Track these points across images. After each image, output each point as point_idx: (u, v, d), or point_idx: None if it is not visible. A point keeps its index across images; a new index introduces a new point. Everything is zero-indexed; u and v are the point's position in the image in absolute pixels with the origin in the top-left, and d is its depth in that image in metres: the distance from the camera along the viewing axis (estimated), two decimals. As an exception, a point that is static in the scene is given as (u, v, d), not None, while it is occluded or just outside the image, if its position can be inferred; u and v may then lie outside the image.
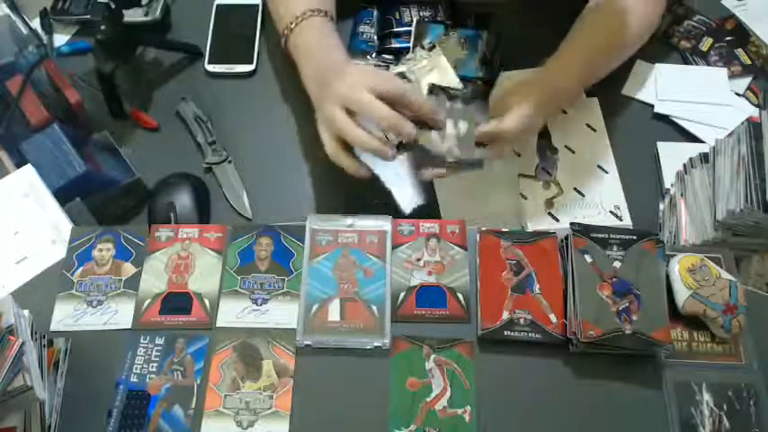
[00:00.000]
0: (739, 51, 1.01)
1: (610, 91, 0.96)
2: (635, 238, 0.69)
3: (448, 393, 0.64)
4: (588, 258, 0.68)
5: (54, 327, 0.68)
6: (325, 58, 0.78)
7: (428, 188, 0.90)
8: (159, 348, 0.66)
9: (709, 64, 1.01)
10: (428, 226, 0.73)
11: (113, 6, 0.91)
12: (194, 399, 0.64)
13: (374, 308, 0.68)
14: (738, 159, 0.78)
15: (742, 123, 0.80)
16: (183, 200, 0.86)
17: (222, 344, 0.67)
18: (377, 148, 0.70)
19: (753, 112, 0.95)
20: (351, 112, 0.71)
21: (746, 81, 0.99)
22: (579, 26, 0.89)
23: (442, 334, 0.67)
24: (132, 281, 0.70)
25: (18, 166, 0.80)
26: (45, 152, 0.82)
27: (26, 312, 0.62)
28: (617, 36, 0.89)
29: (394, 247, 0.71)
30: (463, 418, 0.63)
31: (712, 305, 0.66)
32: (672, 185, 0.90)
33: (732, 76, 0.99)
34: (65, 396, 0.64)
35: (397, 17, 1.00)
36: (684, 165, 0.88)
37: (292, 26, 0.81)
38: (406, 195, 0.75)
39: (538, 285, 0.68)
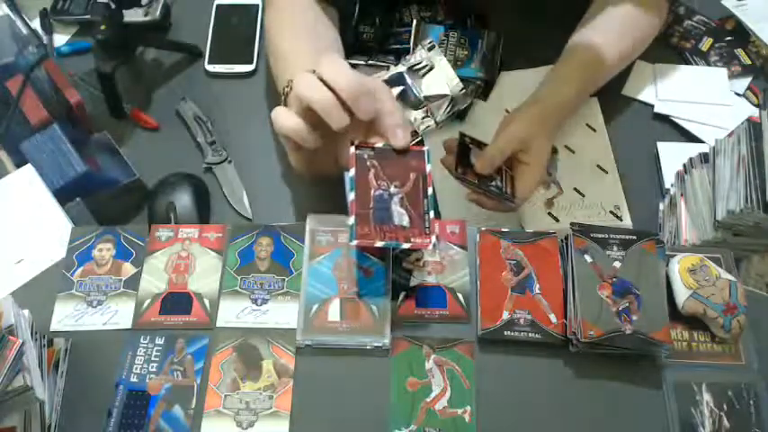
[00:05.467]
0: (739, 51, 1.01)
1: (610, 91, 0.96)
2: (635, 238, 0.69)
3: (448, 393, 0.64)
4: (588, 258, 0.68)
5: (54, 327, 0.67)
6: None
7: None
8: (159, 348, 0.66)
9: (709, 64, 1.01)
10: (428, 226, 0.73)
11: (113, 6, 0.91)
12: (194, 399, 0.64)
13: (374, 308, 0.67)
14: (738, 159, 0.78)
15: (742, 123, 0.80)
16: (183, 200, 0.86)
17: (222, 344, 0.67)
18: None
19: (753, 112, 0.95)
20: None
21: (746, 81, 0.99)
22: (577, 37, 0.88)
23: (442, 334, 0.67)
24: (132, 281, 0.70)
25: (18, 166, 0.80)
26: (45, 152, 0.82)
27: (26, 312, 0.62)
28: (617, 47, 0.88)
29: (394, 247, 0.71)
30: (463, 418, 0.63)
31: (712, 305, 0.66)
32: (672, 185, 0.90)
33: (732, 76, 0.99)
34: (65, 396, 0.64)
35: (397, 17, 1.00)
36: (684, 165, 0.88)
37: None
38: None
39: (538, 285, 0.68)
